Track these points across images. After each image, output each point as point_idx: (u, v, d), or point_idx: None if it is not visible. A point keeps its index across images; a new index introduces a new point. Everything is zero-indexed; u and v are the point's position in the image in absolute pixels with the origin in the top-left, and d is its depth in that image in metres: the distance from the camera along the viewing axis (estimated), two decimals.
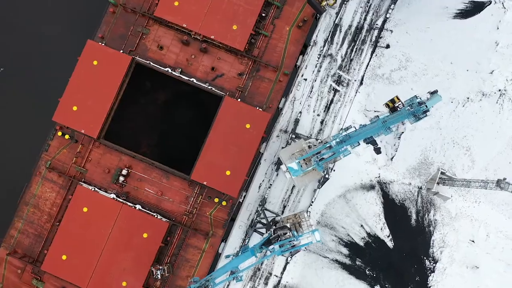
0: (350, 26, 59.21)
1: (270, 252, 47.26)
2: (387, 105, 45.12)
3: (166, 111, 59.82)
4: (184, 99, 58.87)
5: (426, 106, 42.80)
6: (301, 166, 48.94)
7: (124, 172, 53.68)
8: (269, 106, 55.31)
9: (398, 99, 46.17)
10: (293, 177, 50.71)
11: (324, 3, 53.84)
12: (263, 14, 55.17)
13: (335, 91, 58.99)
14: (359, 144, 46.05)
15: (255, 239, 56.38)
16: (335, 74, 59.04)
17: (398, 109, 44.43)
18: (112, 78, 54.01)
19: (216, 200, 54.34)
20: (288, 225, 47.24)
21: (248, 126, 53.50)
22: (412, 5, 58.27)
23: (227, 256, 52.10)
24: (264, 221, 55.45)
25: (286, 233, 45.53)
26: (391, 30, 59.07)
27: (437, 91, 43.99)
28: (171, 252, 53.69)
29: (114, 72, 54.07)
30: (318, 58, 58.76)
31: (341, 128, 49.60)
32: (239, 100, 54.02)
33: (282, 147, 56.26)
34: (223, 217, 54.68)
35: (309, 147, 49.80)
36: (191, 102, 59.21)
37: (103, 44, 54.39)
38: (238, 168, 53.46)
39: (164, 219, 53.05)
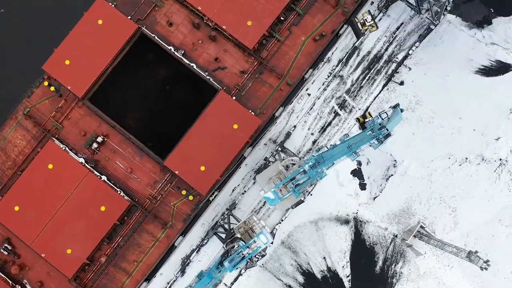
0: (369, 53, 58.14)
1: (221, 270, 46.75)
2: (357, 119, 45.07)
3: (161, 90, 59.32)
4: (183, 83, 58.31)
5: (387, 130, 42.60)
6: (278, 194, 47.66)
7: (99, 139, 53.17)
8: (263, 112, 54.38)
9: (370, 115, 46.59)
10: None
11: (365, 27, 52.76)
12: (282, 18, 54.15)
13: (336, 114, 58.00)
14: (334, 164, 45.49)
15: (214, 243, 55.95)
16: (341, 97, 58.06)
17: (366, 125, 44.73)
18: (114, 42, 53.33)
19: (184, 192, 53.60)
20: (239, 235, 46.67)
21: (235, 126, 52.69)
22: (438, 48, 57.06)
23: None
24: (226, 226, 54.85)
25: (233, 246, 44.91)
26: (409, 68, 57.94)
27: (398, 105, 43.30)
28: (124, 233, 53.09)
29: (117, 36, 53.37)
30: (328, 76, 57.79)
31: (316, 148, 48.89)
32: (233, 98, 53.27)
33: (256, 172, 55.25)
34: (187, 211, 54.06)
35: (287, 167, 49.05)
36: (189, 87, 58.65)
37: (113, 6, 54.00)
38: (214, 166, 52.66)
39: (126, 198, 52.42)
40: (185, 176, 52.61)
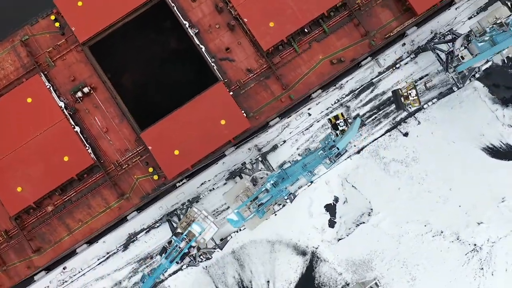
0: (383, 93, 56.67)
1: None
2: (329, 120, 46.54)
3: (166, 61, 58.53)
4: (189, 62, 57.33)
5: (338, 149, 43.41)
6: (242, 214, 46.68)
7: (86, 90, 52.43)
8: (256, 117, 53.29)
9: (343, 116, 46.47)
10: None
11: (408, 101, 51.55)
12: (306, 30, 52.85)
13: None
14: (298, 179, 45.34)
15: (165, 229, 55.15)
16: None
17: (339, 127, 46.49)
18: None
19: (151, 170, 52.86)
20: (180, 229, 46.02)
21: (223, 122, 51.71)
22: (454, 111, 55.33)
23: None
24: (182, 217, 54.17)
25: (170, 241, 44.32)
26: (419, 121, 56.33)
27: (359, 115, 42.82)
28: (79, 189, 52.50)
29: None
30: (335, 102, 56.42)
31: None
32: (231, 93, 52.33)
33: (230, 173, 54.39)
34: (148, 189, 53.31)
35: (256, 181, 48.15)
36: (194, 68, 57.65)
37: None
38: (188, 155, 51.81)
39: (92, 156, 51.77)
40: (157, 155, 51.82)
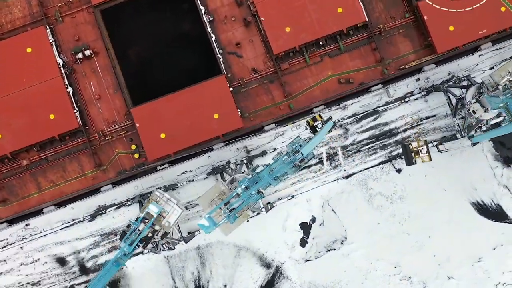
0: (386, 124, 55.65)
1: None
2: (307, 122, 45.88)
3: (176, 41, 57.76)
4: (198, 48, 56.56)
5: (302, 154, 43.53)
6: (214, 220, 45.85)
7: (87, 53, 51.86)
8: (250, 119, 52.51)
9: (320, 117, 45.57)
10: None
11: (418, 157, 50.66)
12: (321, 43, 51.99)
13: (320, 162, 55.94)
14: (270, 184, 45.06)
15: (135, 210, 54.79)
16: (335, 149, 55.93)
17: (317, 129, 46.01)
18: None
19: (133, 147, 52.15)
20: (141, 215, 45.62)
21: (216, 116, 50.95)
22: (453, 159, 54.15)
23: None
24: None
25: (129, 225, 43.92)
26: (415, 161, 55.38)
27: (331, 118, 44.03)
28: (58, 150, 52.17)
29: None
30: (334, 122, 55.58)
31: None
32: (231, 89, 51.68)
33: (213, 169, 53.74)
34: (126, 166, 52.73)
35: (234, 183, 47.49)
36: (202, 56, 56.87)
37: None
38: (174, 140, 51.03)
39: (78, 120, 51.23)
40: (143, 133, 51.19)
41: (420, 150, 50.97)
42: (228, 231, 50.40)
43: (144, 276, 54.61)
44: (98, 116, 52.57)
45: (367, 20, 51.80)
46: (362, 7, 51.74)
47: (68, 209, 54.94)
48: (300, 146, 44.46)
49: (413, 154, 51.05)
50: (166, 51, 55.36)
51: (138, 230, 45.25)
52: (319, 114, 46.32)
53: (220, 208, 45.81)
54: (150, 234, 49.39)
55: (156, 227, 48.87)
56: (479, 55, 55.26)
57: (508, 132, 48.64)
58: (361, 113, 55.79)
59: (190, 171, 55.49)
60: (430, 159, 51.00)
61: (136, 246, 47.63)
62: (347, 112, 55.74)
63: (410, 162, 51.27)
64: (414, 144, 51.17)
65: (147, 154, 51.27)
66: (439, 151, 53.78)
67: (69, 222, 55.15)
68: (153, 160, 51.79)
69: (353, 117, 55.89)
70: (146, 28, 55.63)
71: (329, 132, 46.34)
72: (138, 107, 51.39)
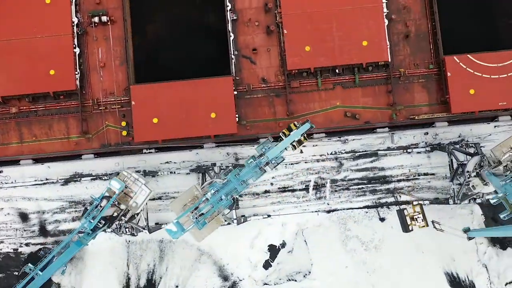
0: (382, 169, 54.28)
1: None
2: (283, 133, 45.37)
3: (196, 31, 57.22)
4: (217, 41, 55.94)
5: (268, 157, 43.30)
6: (183, 225, 44.95)
7: (104, 19, 51.26)
8: (247, 127, 51.62)
9: (296, 126, 44.63)
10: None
11: (414, 223, 49.55)
12: (337, 71, 51.05)
13: (306, 189, 54.84)
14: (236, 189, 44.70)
15: None
16: (324, 179, 54.80)
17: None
18: None
19: (123, 124, 51.52)
20: (107, 193, 45.02)
21: (213, 115, 50.15)
22: (441, 222, 52.65)
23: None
24: None
25: (91, 202, 43.52)
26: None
27: (308, 120, 43.74)
28: (49, 107, 51.56)
29: None
30: (331, 153, 54.49)
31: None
32: (235, 93, 50.91)
33: (198, 167, 52.95)
34: (111, 140, 51.80)
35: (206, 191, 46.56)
36: (219, 50, 56.22)
37: None
38: (165, 128, 50.21)
39: (77, 82, 51.11)
40: (136, 113, 50.53)
41: (417, 218, 49.82)
42: (200, 238, 49.10)
43: (100, 254, 53.76)
44: (97, 84, 52.07)
45: (389, 60, 50.80)
46: (388, 46, 50.80)
47: (44, 167, 54.50)
48: (268, 149, 43.82)
49: (408, 219, 49.80)
50: (182, 37, 54.89)
51: (100, 206, 44.60)
52: (294, 123, 45.08)
53: (190, 213, 45.05)
54: (115, 214, 48.94)
55: (122, 207, 48.19)
56: (495, 126, 53.86)
57: (507, 236, 47.32)
58: (360, 152, 54.63)
59: (175, 162, 54.74)
60: (427, 225, 49.76)
61: (98, 224, 47.15)
62: (346, 146, 54.62)
63: (406, 229, 49.87)
64: (410, 210, 49.91)
65: (135, 134, 50.64)
66: (434, 227, 52.16)
67: (42, 181, 54.67)
68: (139, 142, 51.18)
69: (351, 154, 54.74)
70: (169, 10, 55.30)
71: (304, 140, 44.87)
72: (139, 86, 50.92)
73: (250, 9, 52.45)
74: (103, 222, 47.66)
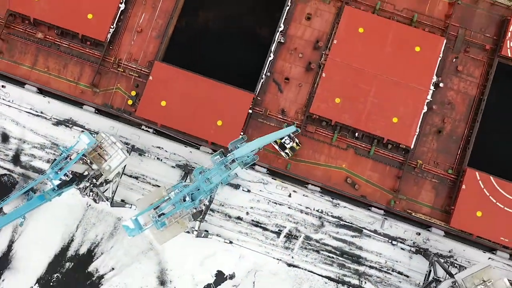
0: (360, 248, 52.04)
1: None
2: (275, 142, 47.03)
3: (243, 35, 56.28)
4: (257, 55, 55.12)
5: (234, 155, 41.83)
6: (141, 223, 43.84)
7: None
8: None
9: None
10: (151, 232, 45.64)
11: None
12: (356, 134, 49.44)
13: (278, 232, 52.92)
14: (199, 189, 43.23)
15: None
16: (299, 232, 52.72)
17: (286, 145, 47.78)
18: None
19: (133, 93, 51.10)
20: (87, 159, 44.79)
21: (219, 123, 49.15)
22: None
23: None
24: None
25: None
26: None
27: (295, 123, 43.63)
28: (73, 47, 51.54)
29: None
30: (317, 210, 52.49)
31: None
32: (250, 111, 50.06)
33: (184, 165, 52.05)
34: (115, 103, 51.31)
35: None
36: (255, 65, 55.35)
37: None
38: (169, 115, 49.75)
39: (109, 35, 50.71)
40: (149, 88, 50.19)
41: None
42: (162, 240, 47.58)
43: (57, 206, 52.56)
44: (126, 46, 51.88)
45: (411, 147, 49.14)
46: (417, 133, 49.18)
47: (45, 100, 54.32)
48: (239, 146, 42.63)
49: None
50: (226, 36, 54.30)
51: (70, 159, 43.89)
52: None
53: (155, 211, 43.83)
54: (86, 173, 48.31)
55: (94, 167, 47.47)
56: (489, 258, 51.17)
57: None
58: (346, 222, 52.64)
59: (166, 151, 53.82)
60: None
61: (66, 177, 46.54)
62: (334, 210, 52.71)
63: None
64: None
65: (138, 107, 50.13)
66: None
67: (36, 112, 54.42)
68: (139, 117, 50.61)
69: (337, 219, 52.77)
70: (226, 7, 54.93)
71: (296, 147, 45.77)
72: (163, 64, 50.48)
73: (300, 39, 51.57)
74: (70, 177, 47.25)
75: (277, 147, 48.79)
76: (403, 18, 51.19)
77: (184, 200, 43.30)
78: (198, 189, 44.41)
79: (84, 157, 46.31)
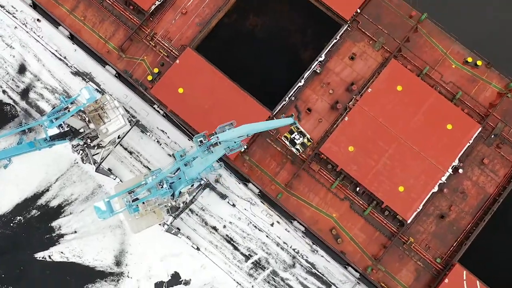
0: None
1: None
2: (285, 137, 47.77)
3: (286, 49, 55.26)
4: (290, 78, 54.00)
5: (218, 138, 39.90)
6: (113, 206, 42.39)
7: None
8: (244, 164, 48.91)
9: (297, 128, 46.60)
10: (126, 218, 45.27)
11: None
12: (358, 189, 47.55)
13: (247, 256, 51.34)
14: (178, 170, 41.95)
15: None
16: (268, 264, 51.15)
17: (296, 140, 47.63)
18: None
19: (156, 70, 50.47)
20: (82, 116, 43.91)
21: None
22: None
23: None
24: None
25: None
26: None
27: (292, 115, 42.01)
28: (115, 5, 51.32)
29: None
30: (293, 249, 50.72)
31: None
32: (270, 141, 48.89)
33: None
34: (136, 74, 50.73)
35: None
36: (284, 82, 54.23)
37: None
38: (181, 103, 49.02)
39: (153, 7, 50.31)
40: (172, 70, 49.65)
41: None
42: (136, 229, 46.74)
43: (45, 151, 52.21)
44: (165, 23, 51.40)
45: (407, 222, 47.03)
46: (418, 210, 47.12)
47: (72, 46, 54.29)
48: (226, 130, 40.60)
49: None
50: (266, 45, 53.27)
51: (68, 110, 43.36)
52: (295, 126, 45.45)
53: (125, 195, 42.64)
54: (82, 130, 47.74)
55: (91, 126, 46.87)
56: None
57: None
58: (318, 271, 50.68)
59: (168, 137, 53.16)
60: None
61: (60, 128, 45.96)
62: (311, 256, 50.87)
63: None
64: None
65: (155, 86, 49.52)
66: None
67: (60, 55, 54.37)
68: (153, 94, 49.97)
69: (310, 266, 50.91)
70: (278, 16, 53.94)
71: (308, 142, 46.13)
72: (194, 52, 49.76)
73: (336, 75, 50.20)
74: (65, 129, 46.64)
75: (287, 143, 48.05)
76: (446, 91, 49.47)
77: (162, 187, 42.08)
78: (180, 178, 43.19)
79: (83, 113, 45.87)
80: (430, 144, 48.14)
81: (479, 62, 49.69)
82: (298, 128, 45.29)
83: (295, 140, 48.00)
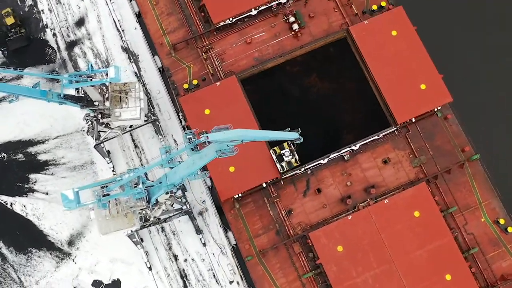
0: None
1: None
2: (274, 151, 47.00)
3: (328, 123, 53.42)
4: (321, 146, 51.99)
5: (207, 137, 36.18)
6: (80, 198, 40.49)
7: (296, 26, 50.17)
8: (231, 209, 46.91)
9: (289, 146, 46.37)
10: (96, 217, 44.08)
11: None
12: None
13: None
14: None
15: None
16: None
17: (284, 157, 46.45)
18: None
19: (195, 82, 49.53)
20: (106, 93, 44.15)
21: (232, 169, 46.29)
22: None
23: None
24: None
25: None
26: None
27: (299, 129, 40.16)
28: (188, 5, 51.41)
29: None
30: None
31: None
32: (264, 184, 46.35)
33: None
34: (173, 75, 49.88)
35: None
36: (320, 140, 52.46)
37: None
38: (201, 121, 46.96)
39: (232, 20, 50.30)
40: (208, 90, 48.34)
41: None
42: (104, 230, 45.51)
43: (54, 108, 50.44)
44: (226, 43, 50.69)
45: None
46: None
47: (134, 24, 55.09)
48: (219, 130, 37.27)
49: None
50: (313, 112, 52.02)
51: (89, 77, 42.89)
52: (288, 142, 45.52)
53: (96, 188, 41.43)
54: (97, 103, 47.05)
55: (106, 104, 46.25)
56: None
57: None
58: None
59: (175, 140, 52.01)
60: None
61: (75, 92, 45.69)
62: None
63: None
64: None
65: (186, 95, 48.68)
66: None
67: (120, 27, 54.90)
68: (180, 103, 49.01)
69: None
70: (337, 96, 52.92)
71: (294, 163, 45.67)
72: (237, 83, 48.38)
73: (361, 171, 47.39)
74: (81, 95, 46.11)
75: (274, 157, 46.31)
76: (463, 240, 45.94)
77: (136, 186, 40.25)
78: (161, 183, 41.30)
79: (104, 88, 45.60)
80: (421, 285, 44.69)
81: (510, 229, 46.20)
82: (291, 147, 44.85)
83: (284, 157, 46.46)
